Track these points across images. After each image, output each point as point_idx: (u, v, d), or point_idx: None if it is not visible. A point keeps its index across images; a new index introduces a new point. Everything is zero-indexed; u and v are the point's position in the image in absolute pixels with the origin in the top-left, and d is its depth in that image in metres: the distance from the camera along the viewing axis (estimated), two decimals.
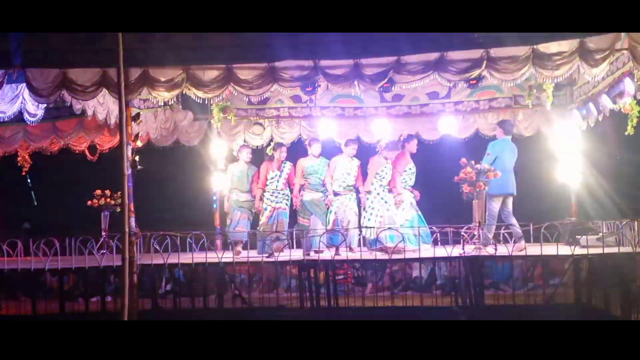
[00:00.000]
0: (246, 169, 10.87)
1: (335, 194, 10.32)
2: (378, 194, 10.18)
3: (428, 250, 9.59)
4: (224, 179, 11.36)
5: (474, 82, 8.77)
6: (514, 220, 9.61)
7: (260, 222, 10.46)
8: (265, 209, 10.40)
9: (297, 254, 9.66)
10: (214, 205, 12.25)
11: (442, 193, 10.98)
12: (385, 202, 10.14)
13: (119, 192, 9.86)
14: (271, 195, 10.43)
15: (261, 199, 10.45)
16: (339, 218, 10.26)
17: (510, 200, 9.78)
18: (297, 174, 10.44)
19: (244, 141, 12.15)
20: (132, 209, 8.94)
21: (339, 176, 10.37)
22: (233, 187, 10.85)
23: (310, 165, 10.44)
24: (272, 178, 10.44)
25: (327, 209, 10.33)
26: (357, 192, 10.50)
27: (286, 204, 10.51)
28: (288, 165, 10.58)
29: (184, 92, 9.06)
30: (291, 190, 10.55)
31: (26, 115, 9.86)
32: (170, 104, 10.75)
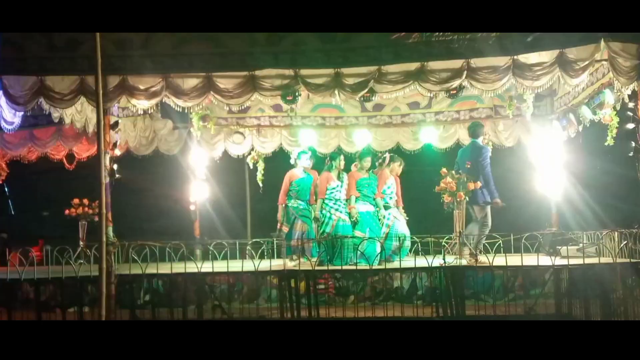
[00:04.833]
0: (307, 176, 10.73)
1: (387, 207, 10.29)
2: None
3: (409, 261, 9.57)
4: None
5: (454, 92, 8.75)
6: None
7: (322, 232, 10.09)
8: (330, 218, 10.08)
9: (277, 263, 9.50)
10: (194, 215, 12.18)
11: (423, 203, 10.96)
12: None
13: (97, 201, 9.73)
14: (334, 204, 10.14)
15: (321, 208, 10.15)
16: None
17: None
18: (350, 185, 10.20)
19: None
20: (110, 218, 8.82)
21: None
22: (294, 196, 10.60)
23: (362, 179, 10.21)
24: (332, 188, 10.16)
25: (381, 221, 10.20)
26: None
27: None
28: (345, 176, 10.34)
29: (163, 101, 8.98)
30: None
31: (3, 123, 9.67)
32: (149, 112, 10.62)
